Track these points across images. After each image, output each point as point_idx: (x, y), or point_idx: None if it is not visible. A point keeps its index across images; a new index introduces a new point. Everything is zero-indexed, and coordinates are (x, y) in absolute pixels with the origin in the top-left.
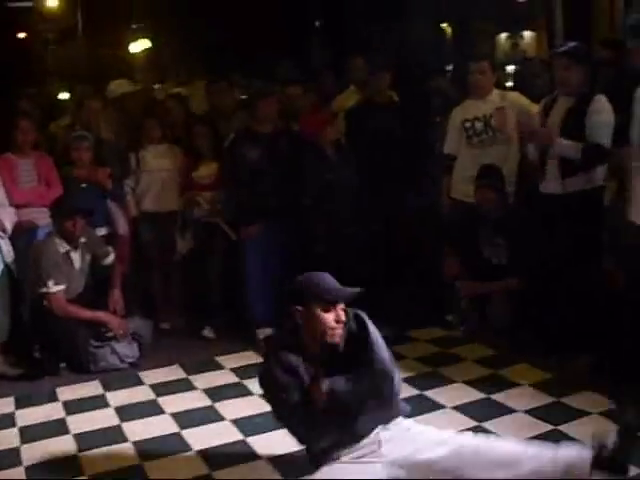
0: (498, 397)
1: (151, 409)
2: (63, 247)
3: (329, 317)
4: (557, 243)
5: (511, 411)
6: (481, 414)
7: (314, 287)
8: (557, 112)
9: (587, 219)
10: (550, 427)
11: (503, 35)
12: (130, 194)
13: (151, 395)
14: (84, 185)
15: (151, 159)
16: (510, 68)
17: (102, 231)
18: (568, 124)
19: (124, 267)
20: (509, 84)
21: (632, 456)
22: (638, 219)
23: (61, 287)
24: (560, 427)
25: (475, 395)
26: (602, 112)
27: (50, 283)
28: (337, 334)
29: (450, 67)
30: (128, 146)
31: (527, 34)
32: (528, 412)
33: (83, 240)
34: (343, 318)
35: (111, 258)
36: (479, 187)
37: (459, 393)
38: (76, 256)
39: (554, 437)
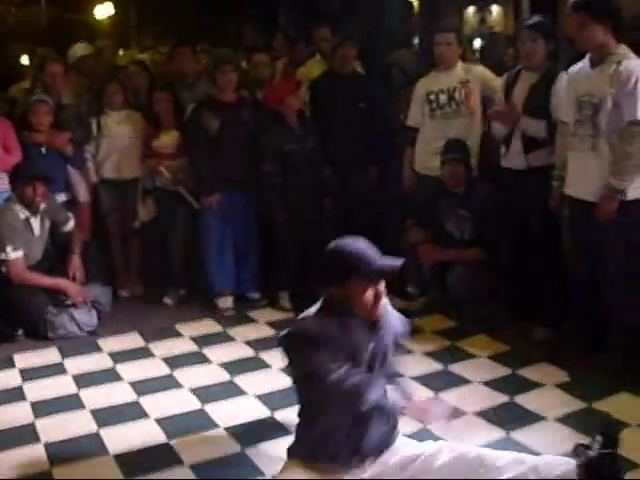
0: (455, 368)
1: (109, 377)
2: (23, 213)
3: (369, 295)
4: (519, 216)
5: (467, 382)
6: (438, 385)
7: (353, 262)
8: (521, 88)
9: (548, 193)
10: (506, 398)
11: (471, 9)
12: (90, 160)
13: (109, 363)
14: (44, 150)
15: (112, 125)
16: (477, 43)
17: (62, 197)
18: (533, 101)
19: (84, 234)
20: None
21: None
22: (571, 190)
23: (20, 253)
24: (515, 398)
25: (433, 366)
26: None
27: (9, 249)
28: (378, 311)
29: (417, 40)
30: (89, 111)
31: (495, 9)
32: (485, 383)
33: (43, 206)
34: (384, 293)
35: (71, 225)
36: (447, 161)
37: (417, 364)
38: (36, 223)
39: (509, 408)
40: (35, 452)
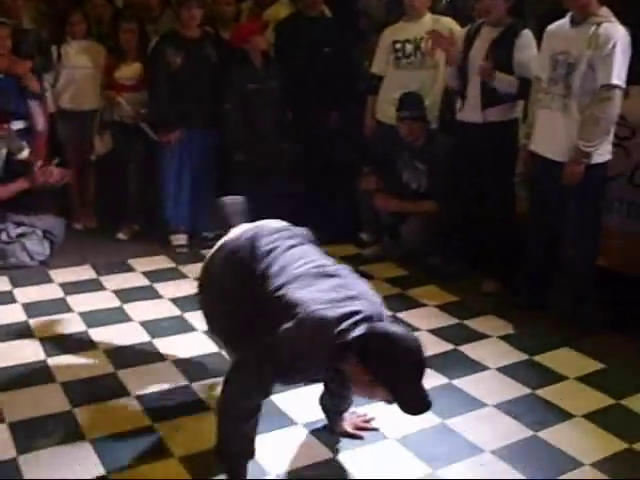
0: (403, 315)
1: (59, 307)
2: None
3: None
4: (473, 171)
5: (415, 329)
6: None
7: (396, 368)
8: (481, 42)
9: (503, 149)
10: (451, 347)
11: None
12: (49, 90)
13: (60, 293)
14: (1, 76)
15: (73, 55)
16: None
17: (19, 125)
18: (494, 56)
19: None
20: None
21: None
22: (537, 148)
23: None
24: (460, 347)
25: None
26: (529, 47)
27: None
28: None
29: None
30: (50, 39)
31: None
32: (431, 331)
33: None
34: None
35: (25, 153)
36: (403, 119)
37: None
38: None
39: (454, 356)
40: None
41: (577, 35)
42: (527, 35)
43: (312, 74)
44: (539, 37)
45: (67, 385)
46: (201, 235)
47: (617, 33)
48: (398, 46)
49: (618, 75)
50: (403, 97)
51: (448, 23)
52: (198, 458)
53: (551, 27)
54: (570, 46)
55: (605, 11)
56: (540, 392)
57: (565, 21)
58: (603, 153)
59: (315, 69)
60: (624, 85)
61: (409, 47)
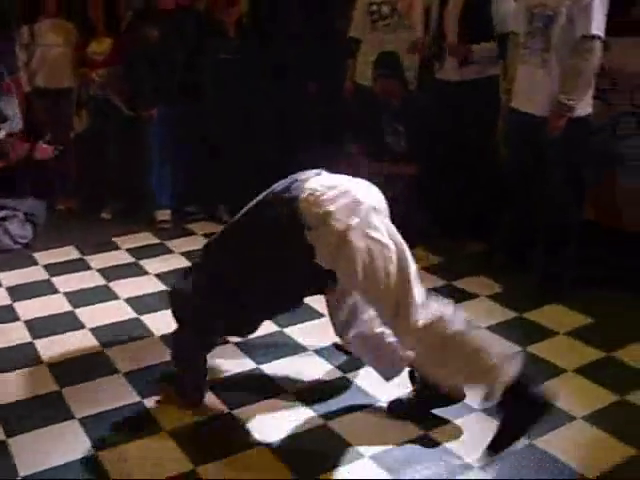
0: None
1: (44, 289)
2: None
3: None
4: (453, 129)
5: None
6: None
7: None
8: (455, 1)
9: (482, 106)
10: None
11: None
12: (23, 69)
13: (45, 275)
14: None
15: (46, 33)
16: None
17: None
18: (468, 14)
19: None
20: None
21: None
22: (518, 104)
23: None
24: None
25: None
26: (506, 1)
27: None
28: None
29: None
30: (20, 17)
31: None
32: None
33: None
34: None
35: (2, 133)
36: (378, 77)
37: None
38: None
39: None
40: None
41: None
42: None
43: (289, 41)
44: None
45: (54, 366)
46: (184, 210)
47: None
48: (374, 8)
49: (597, 26)
50: (379, 56)
51: None
52: (186, 430)
53: None
54: None
55: None
56: (531, 348)
57: None
58: (585, 106)
59: (292, 36)
60: (604, 36)
61: (385, 8)
